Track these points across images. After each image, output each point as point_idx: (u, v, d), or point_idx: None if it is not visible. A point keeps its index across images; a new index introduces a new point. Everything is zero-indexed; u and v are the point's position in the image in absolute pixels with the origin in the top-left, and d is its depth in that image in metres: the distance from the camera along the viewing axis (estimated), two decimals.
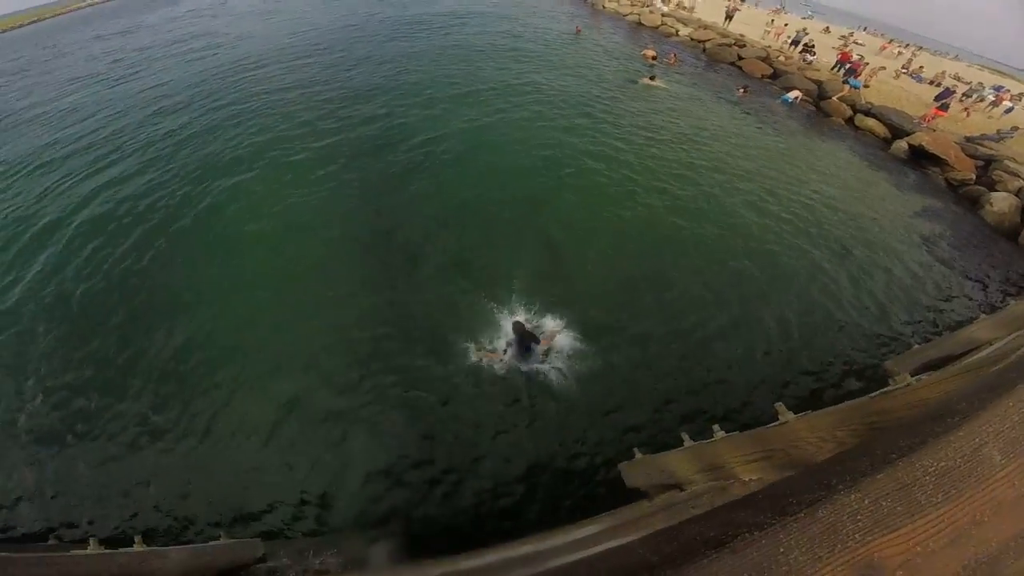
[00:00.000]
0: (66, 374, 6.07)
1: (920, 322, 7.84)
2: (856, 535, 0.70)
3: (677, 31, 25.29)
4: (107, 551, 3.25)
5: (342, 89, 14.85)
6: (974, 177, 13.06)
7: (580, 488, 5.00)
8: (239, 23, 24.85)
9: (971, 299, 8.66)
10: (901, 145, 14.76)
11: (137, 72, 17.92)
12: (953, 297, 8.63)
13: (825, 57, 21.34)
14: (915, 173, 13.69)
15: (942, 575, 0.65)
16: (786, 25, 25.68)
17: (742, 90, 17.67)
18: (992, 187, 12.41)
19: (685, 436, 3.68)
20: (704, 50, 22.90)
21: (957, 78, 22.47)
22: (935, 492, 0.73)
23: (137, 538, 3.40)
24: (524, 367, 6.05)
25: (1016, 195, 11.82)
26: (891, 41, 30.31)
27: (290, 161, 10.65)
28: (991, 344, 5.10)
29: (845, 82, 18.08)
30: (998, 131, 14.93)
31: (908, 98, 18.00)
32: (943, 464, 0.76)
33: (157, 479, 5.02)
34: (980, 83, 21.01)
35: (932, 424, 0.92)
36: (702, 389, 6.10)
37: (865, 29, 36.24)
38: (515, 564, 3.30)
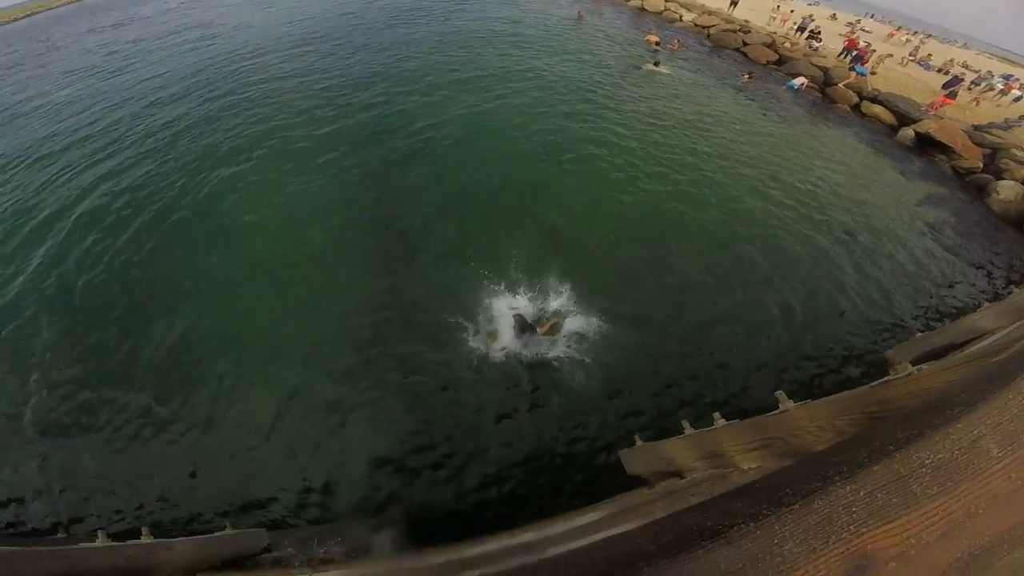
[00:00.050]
0: (69, 367, 6.12)
1: (923, 309, 7.82)
2: (851, 527, 0.70)
3: (681, 17, 24.81)
4: (115, 544, 3.30)
5: (341, 77, 14.67)
6: (981, 165, 12.90)
7: (581, 474, 5.05)
8: (235, 13, 24.50)
9: (975, 287, 8.61)
10: (908, 132, 14.55)
11: (132, 64, 17.75)
12: (957, 285, 8.58)
13: (831, 44, 20.94)
14: (921, 160, 13.52)
15: (935, 568, 0.65)
16: (792, 11, 25.12)
17: (747, 76, 17.39)
18: (999, 175, 12.26)
19: (685, 424, 3.69)
20: (708, 36, 22.48)
21: (966, 66, 22.03)
22: (931, 484, 0.72)
23: (144, 530, 3.45)
24: (524, 353, 6.07)
25: (1022, 183, 11.67)
26: (899, 28, 29.67)
27: (289, 150, 10.58)
28: (994, 333, 5.08)
29: (852, 69, 17.78)
30: (1006, 120, 14.70)
31: (915, 86, 17.70)
32: (940, 456, 0.75)
33: (162, 471, 5.08)
34: (989, 71, 20.59)
35: (931, 415, 0.91)
36: (703, 374, 6.12)
37: (873, 16, 35.48)
38: (516, 551, 3.34)
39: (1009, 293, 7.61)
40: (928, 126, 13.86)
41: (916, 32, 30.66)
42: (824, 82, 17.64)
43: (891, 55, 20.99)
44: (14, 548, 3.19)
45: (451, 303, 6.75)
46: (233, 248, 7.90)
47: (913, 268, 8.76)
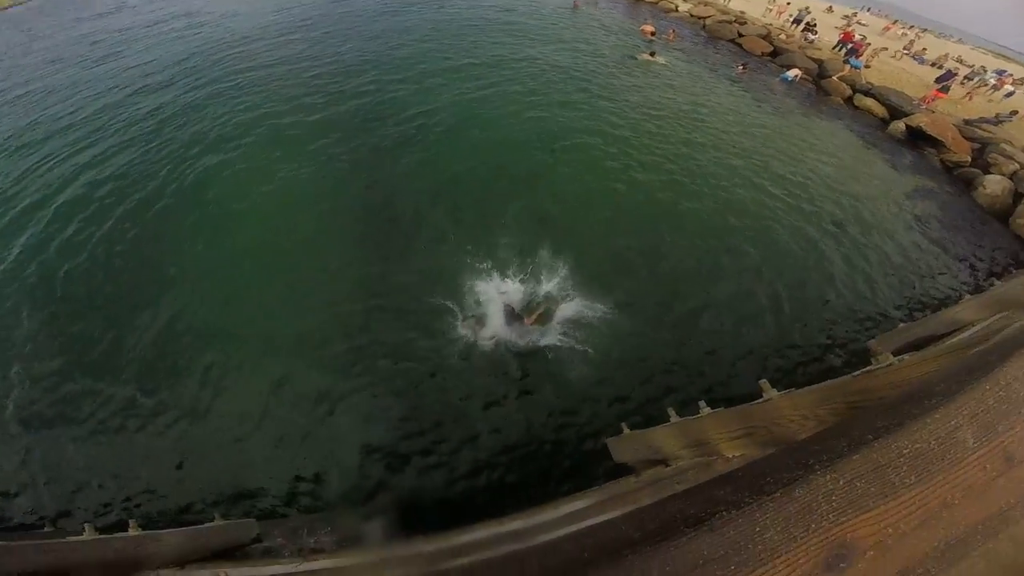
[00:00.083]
0: (52, 358, 6.00)
1: (906, 300, 7.97)
2: (830, 515, 0.71)
3: (676, 7, 24.61)
4: (102, 536, 3.28)
5: (331, 64, 14.37)
6: (970, 159, 13.07)
7: (569, 462, 5.11)
8: (223, 1, 23.78)
9: (958, 279, 8.78)
10: (899, 126, 14.67)
11: (117, 52, 17.19)
12: (940, 277, 8.75)
13: (827, 36, 20.94)
14: (911, 154, 13.67)
15: (912, 557, 0.66)
16: (788, 3, 25.03)
17: (741, 67, 17.36)
18: (987, 170, 12.44)
19: (671, 412, 3.74)
20: (704, 27, 22.35)
21: (960, 61, 22.18)
22: (908, 474, 0.73)
23: (132, 522, 3.43)
24: (514, 341, 6.10)
25: (1010, 178, 11.86)
26: (895, 22, 29.76)
27: (278, 137, 10.38)
28: (974, 325, 5.18)
29: (846, 62, 17.81)
30: (997, 115, 14.87)
31: (909, 79, 17.80)
32: (918, 446, 0.77)
33: (149, 462, 5.04)
34: (983, 67, 20.75)
35: (910, 405, 0.92)
36: (691, 362, 6.22)
37: (869, 9, 35.48)
38: (505, 539, 3.38)
39: (991, 285, 7.76)
40: (919, 120, 13.97)
41: (912, 26, 30.74)
42: (818, 74, 17.67)
43: (886, 49, 21.07)
44: None
45: (442, 290, 6.74)
46: (220, 236, 7.77)
47: (899, 260, 8.91)
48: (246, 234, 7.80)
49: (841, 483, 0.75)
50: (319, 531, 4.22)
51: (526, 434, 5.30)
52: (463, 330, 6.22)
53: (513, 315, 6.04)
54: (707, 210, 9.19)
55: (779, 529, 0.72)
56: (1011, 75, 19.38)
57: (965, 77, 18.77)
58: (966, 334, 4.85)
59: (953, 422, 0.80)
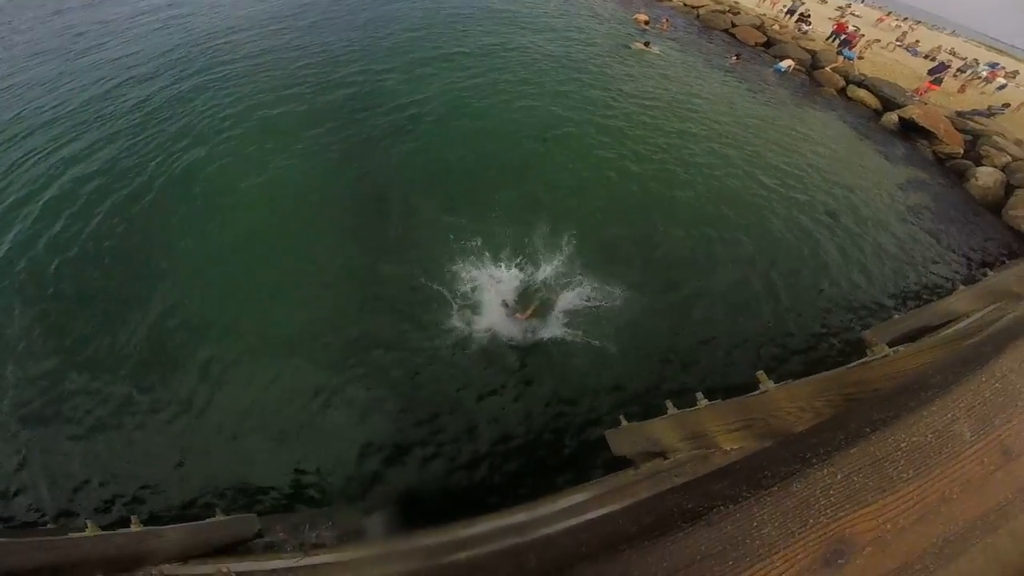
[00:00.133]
0: (47, 356, 5.93)
1: (901, 291, 8.05)
2: (828, 510, 0.71)
3: None
4: (104, 533, 3.29)
5: (319, 55, 14.15)
6: (962, 151, 13.16)
7: (568, 455, 5.14)
8: None
9: (952, 270, 8.87)
10: (892, 117, 14.72)
11: (101, 44, 16.80)
12: (934, 268, 8.84)
13: (821, 27, 20.91)
14: (904, 145, 13.72)
15: (910, 552, 0.66)
16: None
17: (735, 57, 17.30)
18: (979, 161, 12.54)
19: (669, 404, 3.76)
20: (698, 16, 22.22)
21: (953, 53, 22.26)
22: (906, 468, 0.73)
23: (133, 518, 3.43)
24: (509, 334, 6.11)
25: (1002, 170, 11.97)
26: (889, 14, 29.77)
27: (267, 128, 10.23)
28: (968, 316, 5.25)
29: (839, 53, 17.82)
30: (989, 107, 14.97)
31: (902, 71, 17.83)
32: (915, 439, 0.77)
33: (148, 459, 5.01)
34: (975, 59, 20.84)
35: (907, 397, 0.92)
36: (688, 353, 6.27)
37: (863, 1, 35.42)
38: (504, 533, 3.40)
39: (984, 276, 7.85)
40: (912, 111, 14.03)
41: (906, 18, 30.77)
42: (811, 65, 17.67)
43: (879, 40, 21.07)
44: (1, 540, 3.14)
45: (437, 281, 6.73)
46: (211, 229, 7.68)
47: (892, 250, 8.98)
48: (237, 227, 7.71)
49: (839, 477, 0.74)
50: (320, 526, 4.23)
51: (524, 425, 5.33)
52: (458, 322, 6.22)
53: (508, 310, 6.03)
54: (701, 200, 9.20)
55: (777, 524, 0.72)
56: (1003, 68, 19.51)
57: (958, 70, 18.87)
58: (960, 325, 4.91)
59: (950, 415, 0.80)
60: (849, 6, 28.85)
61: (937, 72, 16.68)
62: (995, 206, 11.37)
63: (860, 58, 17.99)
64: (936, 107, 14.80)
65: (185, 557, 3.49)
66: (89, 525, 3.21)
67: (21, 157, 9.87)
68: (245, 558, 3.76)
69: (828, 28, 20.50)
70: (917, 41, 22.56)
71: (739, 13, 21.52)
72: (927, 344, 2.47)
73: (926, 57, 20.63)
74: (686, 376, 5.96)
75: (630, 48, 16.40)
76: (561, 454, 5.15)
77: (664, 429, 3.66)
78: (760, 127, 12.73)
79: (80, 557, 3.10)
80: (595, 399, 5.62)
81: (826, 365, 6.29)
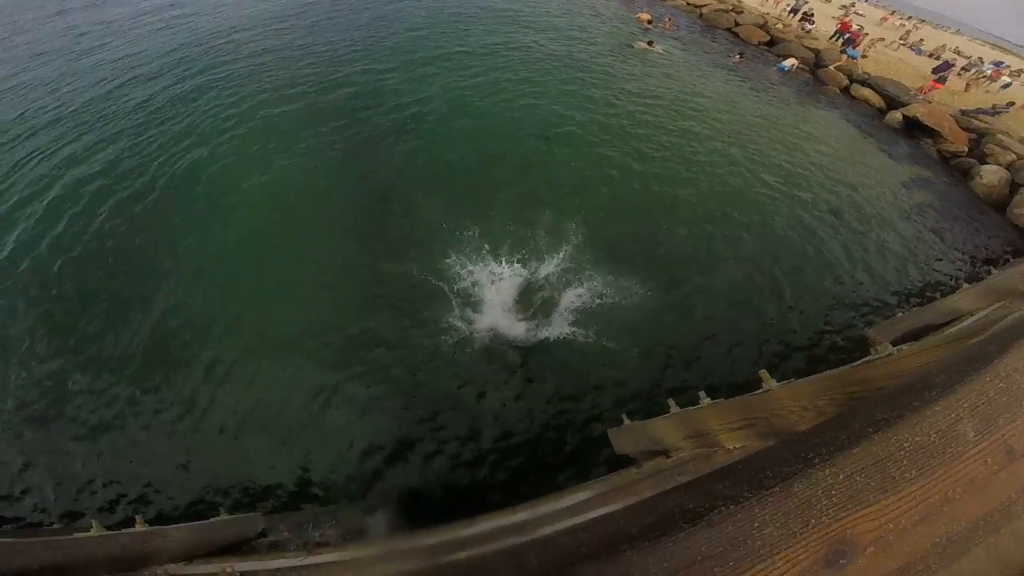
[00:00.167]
0: (51, 356, 5.96)
1: (905, 289, 8.01)
2: (830, 510, 0.70)
3: None
4: (110, 533, 3.30)
5: (322, 54, 14.18)
6: (966, 150, 13.08)
7: (571, 453, 5.14)
8: None
9: (956, 268, 8.82)
10: (896, 116, 14.64)
11: (104, 44, 16.87)
12: (938, 266, 8.79)
13: (824, 26, 20.82)
14: (908, 143, 13.65)
15: (913, 552, 0.66)
16: None
17: (738, 56, 17.24)
18: (983, 160, 12.46)
19: (672, 403, 3.75)
20: (700, 15, 22.15)
21: (957, 52, 22.12)
22: (909, 468, 0.73)
23: (138, 518, 3.45)
24: (511, 332, 6.11)
25: (1006, 168, 11.88)
26: (892, 12, 29.62)
27: (270, 128, 10.26)
28: (972, 315, 5.21)
29: (843, 52, 17.73)
30: (994, 106, 14.87)
31: (906, 70, 17.73)
32: (918, 439, 0.76)
33: (152, 459, 5.03)
34: (979, 58, 20.70)
35: (910, 397, 0.92)
36: (691, 351, 6.26)
37: (867, 0, 35.24)
38: (507, 532, 3.40)
39: (988, 275, 7.79)
40: (916, 110, 13.95)
41: (910, 17, 30.59)
42: (815, 64, 17.58)
43: (883, 39, 20.96)
44: (8, 540, 3.16)
45: (439, 280, 6.74)
46: (214, 228, 7.70)
47: (896, 248, 8.94)
48: (239, 226, 7.73)
49: (841, 477, 0.74)
50: (324, 524, 4.24)
51: (526, 423, 5.33)
52: (459, 320, 6.23)
53: (510, 308, 6.04)
54: (704, 198, 9.18)
55: (778, 525, 0.72)
56: (1008, 66, 19.38)
57: (962, 68, 18.75)
58: (964, 324, 4.88)
59: (954, 415, 0.79)
60: (853, 5, 28.70)
61: (941, 71, 16.58)
62: (999, 204, 11.30)
63: (864, 57, 17.90)
64: (940, 106, 14.72)
65: (189, 556, 3.50)
66: (94, 525, 3.23)
67: (24, 157, 9.93)
68: (249, 557, 3.77)
69: (832, 27, 20.40)
70: (921, 40, 22.43)
71: (742, 12, 21.44)
72: (931, 343, 2.46)
73: (930, 56, 20.51)
74: (689, 374, 5.95)
75: (633, 47, 16.36)
76: (563, 452, 5.15)
77: (667, 428, 3.65)
78: (763, 126, 12.68)
79: (85, 557, 3.12)
80: (597, 397, 5.61)
81: (829, 363, 6.27)
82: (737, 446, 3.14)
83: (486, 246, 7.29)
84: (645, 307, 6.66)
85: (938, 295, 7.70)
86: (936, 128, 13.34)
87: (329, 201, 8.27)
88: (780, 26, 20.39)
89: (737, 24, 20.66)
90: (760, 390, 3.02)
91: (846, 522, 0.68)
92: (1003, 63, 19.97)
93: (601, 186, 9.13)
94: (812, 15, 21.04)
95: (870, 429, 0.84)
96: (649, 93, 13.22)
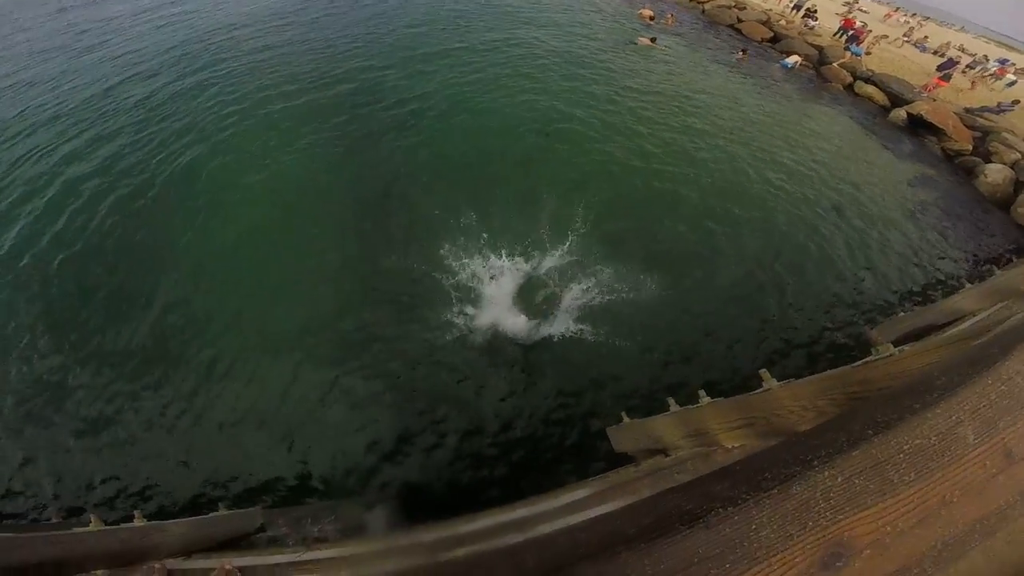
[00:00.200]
0: (51, 352, 5.99)
1: (907, 288, 7.99)
2: (827, 513, 0.70)
3: None
4: (108, 527, 3.30)
5: (322, 51, 14.14)
6: (971, 148, 13.00)
7: (570, 448, 5.15)
8: None
9: (959, 268, 8.79)
10: (900, 113, 14.55)
11: (104, 42, 16.85)
12: (941, 265, 8.76)
13: (828, 23, 20.67)
14: (912, 141, 13.58)
15: (910, 555, 0.65)
16: None
17: (741, 53, 17.14)
18: (988, 158, 12.38)
19: (671, 401, 3.75)
20: (703, 11, 22.02)
21: (962, 49, 21.96)
22: (908, 471, 0.72)
23: (137, 513, 3.46)
24: (511, 329, 6.12)
25: (1011, 167, 11.81)
26: (897, 9, 29.41)
27: (270, 124, 10.25)
28: (975, 315, 5.19)
29: (847, 49, 17.61)
30: (999, 104, 14.77)
31: (910, 67, 17.62)
32: (918, 442, 0.75)
33: (152, 454, 5.06)
34: (985, 55, 20.55)
35: (911, 399, 0.91)
36: (691, 350, 6.26)
37: None
38: (507, 529, 3.41)
39: (991, 274, 7.76)
40: (920, 107, 13.86)
41: (914, 14, 30.37)
42: (818, 61, 17.48)
43: (887, 36, 20.83)
44: (7, 534, 3.18)
45: (439, 275, 6.74)
46: (214, 225, 7.71)
47: (899, 247, 8.91)
48: (240, 222, 7.74)
49: (839, 480, 0.74)
50: (323, 520, 4.26)
51: (525, 420, 5.34)
52: (459, 316, 6.24)
53: (510, 304, 6.04)
54: (705, 195, 9.16)
55: (775, 527, 0.71)
56: (1013, 64, 19.22)
57: (967, 66, 18.62)
58: (966, 324, 4.86)
59: (954, 417, 0.79)
60: (856, 1, 28.47)
61: (946, 68, 16.46)
62: (1004, 203, 11.24)
63: (868, 54, 17.78)
64: (945, 103, 14.62)
65: (188, 551, 3.52)
66: (93, 520, 3.24)
67: (25, 154, 9.94)
68: (248, 552, 3.79)
69: (835, 24, 20.25)
70: (926, 37, 22.28)
71: (745, 8, 21.30)
72: (932, 343, 2.45)
73: (935, 53, 20.37)
74: (688, 372, 5.95)
75: (635, 44, 16.28)
76: (562, 449, 5.16)
77: (666, 426, 3.65)
78: (766, 123, 12.63)
79: (84, 551, 3.13)
80: (597, 394, 5.62)
81: (830, 362, 6.27)
82: (736, 445, 3.14)
83: (486, 241, 7.29)
84: (645, 303, 6.66)
85: (941, 294, 7.67)
86: (940, 126, 13.26)
87: (329, 197, 8.27)
88: (783, 23, 20.27)
89: (740, 20, 20.53)
90: (760, 389, 3.02)
91: (843, 525, 0.68)
92: (1008, 60, 19.81)
93: (602, 182, 9.11)
94: (815, 12, 20.91)
95: (870, 431, 0.84)
96: (651, 90, 13.16)
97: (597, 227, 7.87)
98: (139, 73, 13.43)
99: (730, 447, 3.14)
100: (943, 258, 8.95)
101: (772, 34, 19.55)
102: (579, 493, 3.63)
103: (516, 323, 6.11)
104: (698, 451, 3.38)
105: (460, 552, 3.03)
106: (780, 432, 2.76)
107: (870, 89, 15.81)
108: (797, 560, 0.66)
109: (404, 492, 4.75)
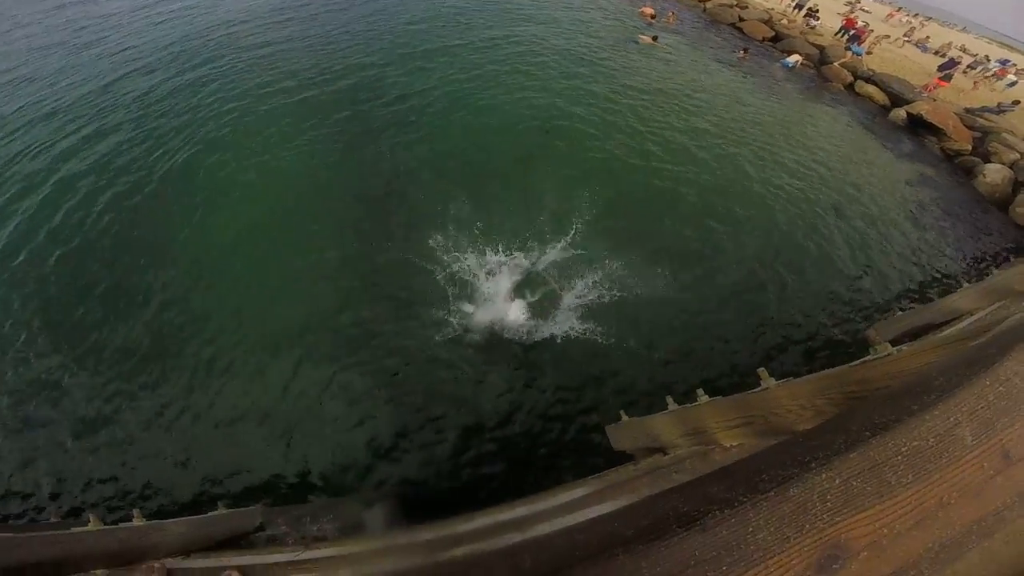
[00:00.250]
0: (48, 350, 5.97)
1: (906, 287, 8.01)
2: (824, 515, 0.70)
3: None
4: (107, 527, 3.30)
5: (323, 46, 14.10)
6: (970, 148, 13.02)
7: (570, 449, 5.15)
8: None
9: (958, 267, 8.81)
10: (900, 113, 14.55)
11: (103, 38, 16.77)
12: (940, 264, 8.78)
13: (829, 22, 20.64)
14: (912, 141, 13.58)
15: (906, 557, 0.65)
16: None
17: (742, 52, 17.11)
18: (987, 158, 12.39)
19: (670, 399, 3.75)
20: (705, 10, 21.97)
21: (963, 50, 21.96)
22: (905, 472, 0.72)
23: (136, 512, 3.45)
24: (509, 327, 6.12)
25: (1010, 167, 11.83)
26: (899, 9, 29.39)
27: (269, 120, 10.22)
28: (972, 314, 5.20)
29: (848, 48, 17.59)
30: (999, 104, 14.78)
31: (911, 67, 17.62)
32: (915, 443, 0.75)
33: (150, 453, 5.05)
34: (986, 56, 20.56)
35: (909, 400, 0.91)
36: (689, 347, 6.27)
37: None
38: (505, 528, 3.41)
39: (989, 274, 7.77)
40: (920, 107, 13.86)
41: (916, 14, 30.36)
42: (819, 60, 17.46)
43: (888, 36, 20.81)
44: (5, 534, 3.17)
45: (438, 272, 6.74)
46: (212, 222, 7.69)
47: (898, 247, 8.93)
48: (238, 219, 7.73)
49: (837, 482, 0.73)
50: (322, 518, 4.25)
51: (523, 417, 5.35)
52: (459, 313, 6.24)
53: (508, 301, 6.05)
54: (705, 193, 9.16)
55: (772, 529, 0.71)
56: (1014, 65, 19.23)
57: (968, 66, 18.62)
58: (964, 324, 4.87)
59: (952, 419, 0.78)
60: (858, 1, 28.44)
61: (947, 68, 16.47)
62: (1003, 203, 11.25)
63: (869, 54, 17.77)
64: (945, 103, 14.62)
65: (187, 550, 3.51)
66: (92, 519, 3.23)
67: (22, 150, 9.90)
68: (247, 551, 3.79)
69: (837, 23, 20.23)
70: (927, 37, 22.27)
71: (747, 7, 21.26)
72: (930, 343, 2.44)
73: (936, 53, 20.36)
74: (687, 371, 5.96)
75: (637, 42, 16.24)
76: (561, 446, 5.17)
77: (664, 425, 3.65)
78: (767, 122, 12.62)
79: (83, 551, 3.12)
80: (596, 392, 5.63)
81: (828, 361, 6.28)
82: (734, 444, 3.14)
83: (486, 239, 7.28)
84: (644, 301, 6.66)
85: (939, 294, 7.68)
86: (940, 126, 13.26)
87: (328, 193, 8.26)
88: (785, 22, 20.24)
89: (741, 19, 20.49)
90: (758, 388, 3.02)
91: (841, 527, 0.68)
92: (1009, 61, 19.81)
93: (602, 180, 9.11)
94: (817, 11, 20.88)
95: (867, 433, 0.83)
96: (651, 88, 13.14)
97: (597, 224, 7.87)
98: (137, 69, 13.37)
99: (728, 446, 3.14)
100: (941, 258, 8.97)
101: (773, 33, 19.52)
102: (577, 492, 3.63)
103: (515, 320, 6.11)
104: (696, 450, 3.38)
105: (459, 551, 3.03)
106: (778, 431, 2.76)
107: (870, 89, 15.80)
108: (794, 563, 0.66)
109: (403, 490, 4.76)
